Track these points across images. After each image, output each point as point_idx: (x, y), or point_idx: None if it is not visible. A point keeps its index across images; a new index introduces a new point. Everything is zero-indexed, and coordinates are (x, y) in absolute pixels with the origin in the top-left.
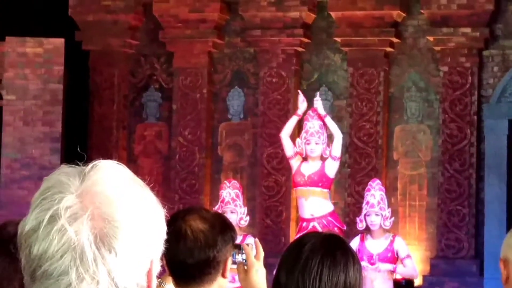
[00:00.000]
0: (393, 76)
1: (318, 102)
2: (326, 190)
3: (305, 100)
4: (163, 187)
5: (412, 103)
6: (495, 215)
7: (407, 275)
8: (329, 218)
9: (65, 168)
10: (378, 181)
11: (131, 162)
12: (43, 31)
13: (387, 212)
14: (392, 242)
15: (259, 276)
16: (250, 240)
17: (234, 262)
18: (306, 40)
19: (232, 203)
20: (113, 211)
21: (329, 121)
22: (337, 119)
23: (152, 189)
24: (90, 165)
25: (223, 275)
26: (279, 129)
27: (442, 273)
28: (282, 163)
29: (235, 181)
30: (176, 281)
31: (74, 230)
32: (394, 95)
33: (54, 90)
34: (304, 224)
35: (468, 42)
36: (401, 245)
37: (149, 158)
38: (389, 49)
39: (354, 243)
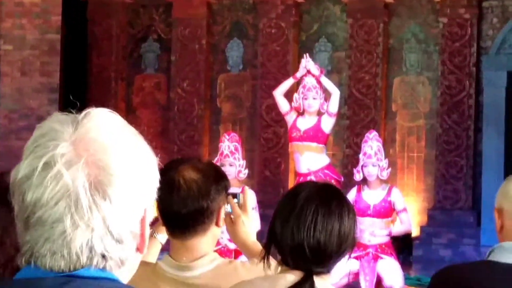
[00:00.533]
0: (393, 28)
1: (309, 63)
2: (321, 145)
3: (307, 65)
4: (161, 138)
5: (411, 54)
6: (493, 166)
7: (403, 231)
8: (326, 171)
9: (58, 116)
10: (375, 132)
11: (130, 113)
12: None
13: (384, 162)
14: (389, 193)
15: (246, 226)
16: (250, 193)
17: (227, 212)
18: None
19: (231, 156)
20: (108, 158)
21: (324, 80)
22: (337, 71)
23: (151, 140)
24: (83, 112)
25: (217, 224)
26: (278, 80)
27: (439, 224)
28: (281, 115)
29: (235, 134)
30: (170, 231)
31: (69, 177)
32: (394, 47)
33: (51, 40)
34: (301, 179)
35: None
36: (398, 197)
37: (147, 109)
38: (388, 0)
39: (351, 194)
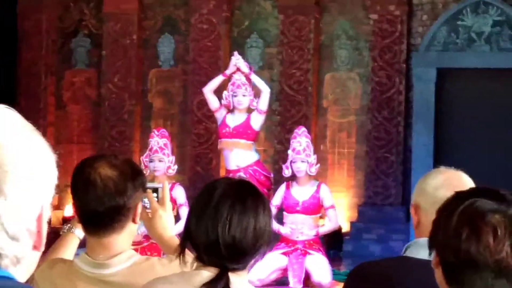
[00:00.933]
0: (324, 24)
1: (239, 61)
2: (250, 142)
3: (237, 63)
4: (92, 134)
5: (342, 51)
6: (422, 162)
7: (331, 229)
8: (255, 167)
9: None
10: (303, 128)
11: (60, 109)
12: None
13: (313, 158)
14: (318, 189)
15: (163, 221)
16: (179, 189)
17: (144, 207)
18: None
19: (160, 151)
20: (2, 155)
21: (254, 77)
22: (268, 67)
23: (81, 135)
24: None
25: (134, 221)
26: (210, 76)
27: (369, 220)
28: (212, 111)
29: (164, 130)
30: (86, 228)
31: None
32: (325, 43)
33: None
34: (230, 175)
35: None
36: (326, 194)
37: (78, 104)
38: None
39: (280, 191)
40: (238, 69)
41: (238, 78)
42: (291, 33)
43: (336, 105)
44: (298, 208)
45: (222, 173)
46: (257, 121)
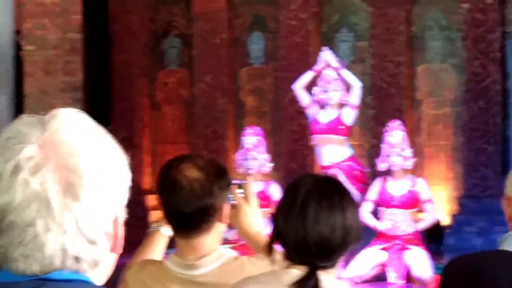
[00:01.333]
0: (415, 16)
1: (328, 56)
2: (343, 137)
3: (326, 58)
4: (187, 134)
5: (434, 42)
6: None
7: (429, 224)
8: (349, 163)
9: (25, 118)
10: (398, 121)
11: (154, 110)
12: None
13: (408, 152)
14: (414, 183)
15: (248, 217)
16: (275, 187)
17: (231, 205)
18: None
19: (254, 149)
20: (77, 160)
21: (344, 72)
22: (359, 61)
23: (176, 135)
24: (50, 114)
25: (221, 221)
26: (300, 72)
27: (470, 212)
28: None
29: (258, 127)
30: (175, 230)
31: (38, 180)
32: (416, 35)
33: (73, 39)
34: (324, 171)
35: None
36: (423, 187)
37: (171, 105)
38: None
39: (376, 185)
40: (328, 65)
41: (328, 73)
42: (382, 26)
43: (430, 97)
44: (394, 203)
45: (317, 170)
46: (349, 116)
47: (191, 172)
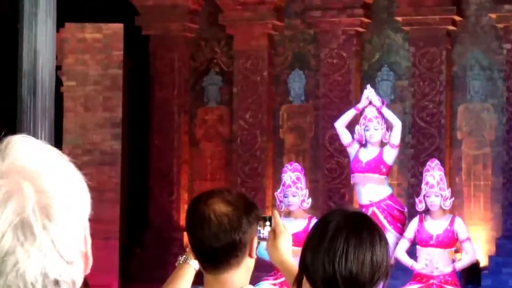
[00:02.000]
0: (456, 55)
1: (371, 94)
2: (383, 177)
3: (369, 96)
4: (225, 171)
5: (475, 81)
6: None
7: (468, 263)
8: (388, 202)
9: None
10: (437, 161)
11: (193, 146)
12: (102, 16)
13: (447, 192)
14: (452, 222)
15: (279, 250)
16: (314, 222)
17: (259, 238)
18: (366, 20)
19: (293, 185)
20: (43, 183)
21: (386, 111)
22: (400, 100)
23: (215, 172)
24: (3, 143)
25: (250, 255)
26: (341, 110)
27: (508, 253)
28: (343, 145)
29: (297, 164)
30: (203, 265)
31: (12, 207)
32: (457, 74)
33: (114, 75)
34: (363, 210)
35: None
36: (460, 227)
37: (210, 142)
38: (451, 27)
39: (413, 224)
40: (370, 103)
41: (370, 111)
42: (422, 65)
43: (470, 137)
44: (432, 242)
45: (356, 208)
46: (390, 155)
47: (220, 207)
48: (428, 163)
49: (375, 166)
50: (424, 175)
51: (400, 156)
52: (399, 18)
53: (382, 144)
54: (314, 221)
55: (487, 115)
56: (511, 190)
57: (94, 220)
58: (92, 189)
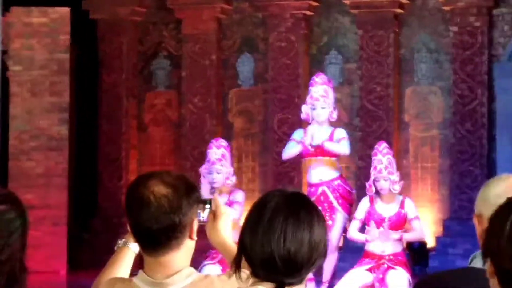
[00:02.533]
0: (403, 38)
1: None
2: (334, 159)
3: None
4: (174, 155)
5: (422, 64)
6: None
7: (415, 238)
8: (339, 182)
9: None
10: (384, 144)
11: (142, 131)
12: (49, 0)
13: (396, 176)
14: (402, 204)
15: (219, 232)
16: (239, 194)
17: (199, 222)
18: (314, 3)
19: (218, 162)
20: None
21: (328, 145)
22: (348, 82)
23: (164, 157)
24: None
25: (191, 237)
26: (290, 94)
27: (455, 234)
28: (293, 128)
29: (223, 140)
30: (143, 247)
31: None
32: (405, 57)
33: (60, 60)
34: (312, 189)
35: (478, 1)
36: (410, 206)
37: (159, 126)
38: (398, 10)
39: (364, 205)
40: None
41: (316, 90)
42: (370, 48)
43: (418, 119)
44: (384, 225)
45: (305, 191)
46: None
47: (159, 188)
48: (376, 146)
49: (326, 149)
50: (372, 159)
51: (348, 139)
52: (346, 1)
53: (330, 124)
54: (237, 192)
55: (434, 97)
56: (458, 172)
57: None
58: (39, 174)
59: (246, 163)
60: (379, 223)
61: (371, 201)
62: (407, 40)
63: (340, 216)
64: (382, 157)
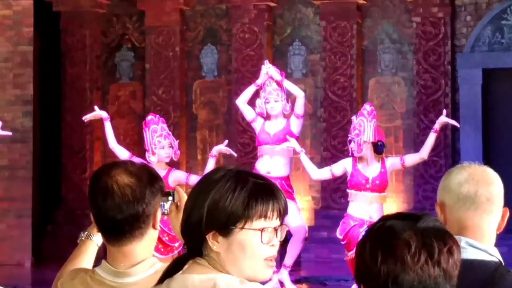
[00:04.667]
0: (366, 29)
1: (270, 69)
2: (291, 148)
3: (269, 71)
4: (139, 147)
5: (385, 55)
6: None
7: (418, 159)
8: (283, 182)
9: None
10: (371, 107)
11: None
12: None
13: (367, 137)
14: (383, 163)
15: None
16: (175, 173)
17: (163, 213)
18: None
19: (169, 137)
20: None
21: (287, 83)
22: (312, 74)
23: (128, 149)
24: None
25: (154, 227)
26: None
27: None
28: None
29: (157, 115)
30: (106, 237)
31: None
32: (368, 48)
33: (24, 52)
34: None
35: None
36: (390, 161)
37: (123, 118)
38: (361, 1)
39: (345, 163)
40: (271, 77)
41: (269, 84)
42: (333, 39)
43: (381, 110)
44: (368, 186)
45: None
46: (295, 125)
47: (123, 178)
48: (364, 107)
49: (283, 137)
50: (355, 121)
51: (312, 129)
52: None
53: (285, 116)
54: (174, 172)
55: (397, 88)
56: (422, 162)
57: (6, 199)
58: (3, 167)
59: None
60: (363, 184)
61: (354, 162)
62: (370, 31)
63: (291, 205)
64: (367, 121)
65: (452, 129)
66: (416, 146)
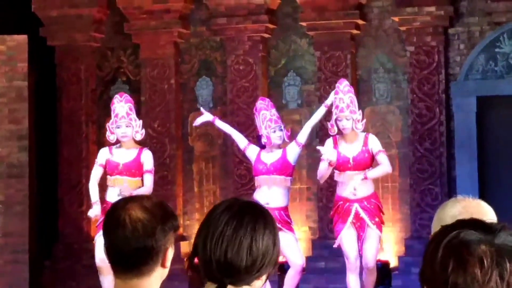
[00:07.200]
0: (360, 58)
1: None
2: (289, 178)
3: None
4: None
5: (380, 84)
6: (467, 192)
7: (382, 173)
8: (282, 212)
9: None
10: (345, 82)
11: None
12: (6, 28)
13: (358, 114)
14: (366, 141)
15: None
16: (147, 154)
17: None
18: (271, 26)
19: (127, 117)
20: None
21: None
22: (307, 104)
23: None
24: None
25: (163, 265)
26: (249, 116)
27: (417, 253)
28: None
29: (126, 95)
30: (114, 269)
31: None
32: (362, 77)
33: (19, 87)
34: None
35: (433, 20)
36: (373, 141)
37: None
38: (355, 31)
39: (328, 147)
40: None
41: (273, 113)
42: (328, 69)
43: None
44: (350, 166)
45: None
46: (293, 153)
47: (136, 213)
48: (337, 84)
49: (281, 167)
50: (334, 98)
51: (308, 159)
52: (303, 23)
53: (281, 146)
54: (145, 152)
55: (392, 117)
56: (418, 190)
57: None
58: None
59: (207, 186)
60: (345, 165)
61: (335, 142)
62: (364, 61)
63: (288, 235)
64: (344, 95)
65: (448, 158)
66: (411, 175)
